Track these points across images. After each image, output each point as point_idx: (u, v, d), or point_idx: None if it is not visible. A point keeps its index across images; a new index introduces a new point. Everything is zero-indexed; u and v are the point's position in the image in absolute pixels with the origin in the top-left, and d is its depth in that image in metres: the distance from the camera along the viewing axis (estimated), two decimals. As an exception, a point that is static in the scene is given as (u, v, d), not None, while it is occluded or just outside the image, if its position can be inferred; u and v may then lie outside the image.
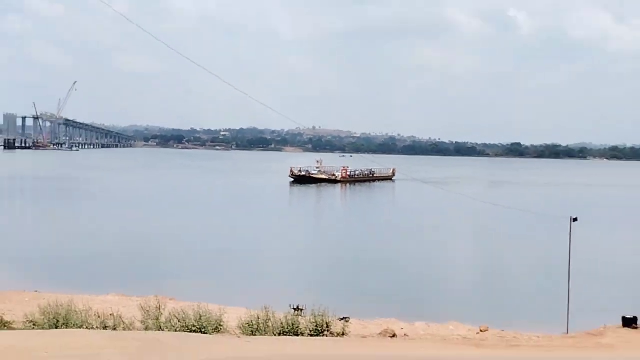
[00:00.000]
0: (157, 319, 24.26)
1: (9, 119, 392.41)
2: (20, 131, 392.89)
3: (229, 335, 20.39)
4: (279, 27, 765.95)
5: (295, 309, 37.85)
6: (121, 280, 48.38)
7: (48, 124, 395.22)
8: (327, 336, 22.53)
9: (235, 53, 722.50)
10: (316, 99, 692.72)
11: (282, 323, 22.90)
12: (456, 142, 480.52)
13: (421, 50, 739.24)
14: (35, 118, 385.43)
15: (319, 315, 23.38)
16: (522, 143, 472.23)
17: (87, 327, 22.31)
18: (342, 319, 30.03)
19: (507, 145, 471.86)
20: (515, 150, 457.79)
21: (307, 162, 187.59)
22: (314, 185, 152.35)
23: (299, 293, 41.87)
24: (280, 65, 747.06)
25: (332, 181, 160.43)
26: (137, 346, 16.21)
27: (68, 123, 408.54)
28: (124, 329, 22.91)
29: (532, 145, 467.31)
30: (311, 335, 22.16)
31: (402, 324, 35.69)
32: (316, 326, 22.82)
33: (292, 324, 22.74)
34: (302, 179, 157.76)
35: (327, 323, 23.14)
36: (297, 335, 22.19)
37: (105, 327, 22.92)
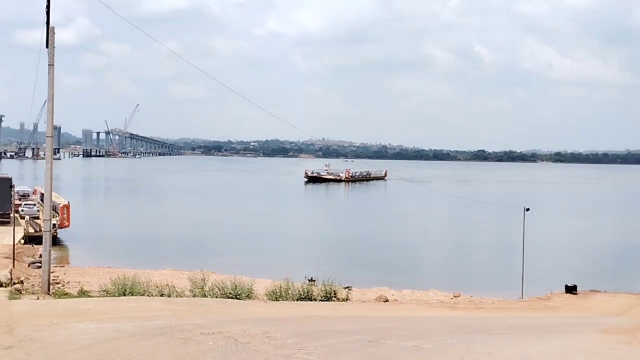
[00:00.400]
0: (202, 288, 24.10)
1: (87, 133, 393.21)
2: (95, 143, 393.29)
3: (258, 301, 20.21)
4: (296, 61, 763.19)
5: (309, 280, 37.63)
6: (174, 258, 48.33)
7: (117, 137, 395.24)
8: (334, 301, 22.36)
9: (261, 81, 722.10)
10: (325, 117, 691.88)
11: (299, 291, 22.73)
12: (434, 149, 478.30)
13: (406, 79, 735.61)
14: (107, 133, 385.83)
15: (328, 284, 23.24)
16: (486, 150, 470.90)
17: (147, 295, 22.14)
18: (346, 288, 29.86)
19: (474, 151, 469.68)
20: (481, 156, 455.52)
21: (318, 165, 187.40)
22: (323, 184, 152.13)
23: (311, 267, 41.82)
24: (296, 91, 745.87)
25: (338, 180, 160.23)
26: (187, 309, 16.06)
27: (132, 136, 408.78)
28: (176, 296, 22.75)
29: (494, 152, 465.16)
30: (322, 300, 21.97)
31: (392, 292, 35.50)
32: (326, 293, 22.66)
33: (307, 292, 22.57)
34: (314, 179, 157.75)
35: (334, 291, 22.99)
36: (311, 300, 21.98)
37: (161, 295, 22.76)
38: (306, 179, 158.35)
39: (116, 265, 43.93)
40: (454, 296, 35.19)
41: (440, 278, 44.28)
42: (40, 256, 46.19)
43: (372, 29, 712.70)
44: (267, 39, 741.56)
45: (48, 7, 17.41)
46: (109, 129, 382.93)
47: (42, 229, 20.32)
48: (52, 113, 19.24)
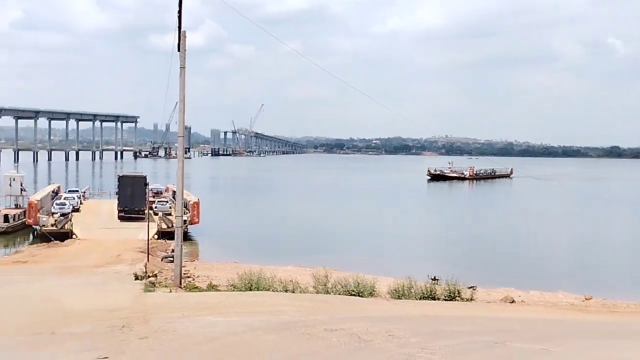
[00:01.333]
0: (325, 285, 24.38)
1: (215, 133, 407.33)
2: (223, 142, 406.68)
3: (380, 299, 20.17)
4: (417, 58, 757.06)
5: (432, 279, 37.23)
6: (297, 255, 49.13)
7: (243, 136, 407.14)
8: (458, 301, 21.98)
9: (382, 79, 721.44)
10: (448, 114, 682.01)
11: (422, 290, 22.51)
12: (563, 146, 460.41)
13: (533, 73, 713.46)
14: (234, 132, 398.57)
15: (451, 284, 22.88)
16: (620, 146, 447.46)
17: (272, 290, 22.62)
18: (470, 287, 29.27)
19: (607, 147, 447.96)
20: (614, 152, 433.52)
21: (441, 163, 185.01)
22: (447, 182, 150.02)
23: (435, 266, 41.28)
24: (418, 88, 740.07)
25: (462, 178, 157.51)
26: (310, 305, 16.30)
27: (257, 135, 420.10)
28: (300, 292, 23.13)
29: (629, 148, 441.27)
30: (445, 300, 21.64)
31: (519, 292, 34.43)
32: (449, 293, 22.32)
33: (430, 291, 22.31)
34: (437, 177, 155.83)
35: (458, 290, 22.60)
36: (434, 299, 21.70)
37: (285, 290, 23.20)
38: (429, 177, 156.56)
39: (242, 260, 45.23)
40: (585, 299, 33.70)
41: (570, 279, 42.57)
42: (172, 251, 48.51)
43: (495, 23, 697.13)
44: (388, 37, 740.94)
45: (180, 12, 18.22)
46: (236, 129, 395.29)
47: (174, 225, 21.25)
48: (184, 114, 20.11)
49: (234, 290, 22.72)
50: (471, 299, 22.54)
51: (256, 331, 12.20)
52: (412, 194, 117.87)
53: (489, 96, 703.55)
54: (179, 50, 19.34)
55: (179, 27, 18.88)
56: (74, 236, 51.82)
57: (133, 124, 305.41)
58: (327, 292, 21.70)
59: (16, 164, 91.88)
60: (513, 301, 28.98)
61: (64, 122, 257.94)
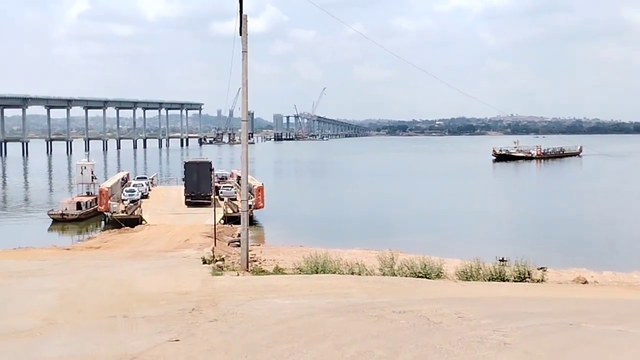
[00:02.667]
0: (391, 267, 24.20)
1: (277, 118, 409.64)
2: (285, 127, 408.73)
3: (448, 281, 19.86)
4: (482, 36, 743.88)
5: (500, 260, 36.54)
6: (362, 237, 49.04)
7: (305, 120, 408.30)
8: (528, 282, 21.47)
9: (446, 59, 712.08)
10: (513, 92, 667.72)
11: (490, 271, 22.09)
12: (635, 122, 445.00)
13: (602, 47, 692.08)
14: (296, 117, 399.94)
15: (521, 265, 22.38)
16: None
17: (338, 273, 22.56)
18: (540, 269, 28.62)
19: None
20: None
21: (507, 143, 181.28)
22: (513, 162, 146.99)
23: (503, 247, 40.50)
24: (483, 67, 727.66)
25: (529, 158, 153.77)
26: (377, 287, 16.19)
27: (320, 119, 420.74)
28: (366, 275, 23.02)
29: None
30: (515, 281, 21.16)
31: (592, 273, 33.47)
32: (519, 274, 21.84)
33: (499, 272, 21.88)
34: (503, 157, 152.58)
35: (528, 271, 22.09)
36: (504, 281, 21.25)
37: (352, 273, 23.11)
38: (494, 158, 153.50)
39: (307, 244, 45.38)
40: (662, 279, 32.59)
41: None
42: (239, 235, 48.92)
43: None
44: (451, 15, 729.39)
45: (240, -3, 18.33)
46: (298, 113, 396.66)
47: (240, 209, 21.42)
48: (247, 98, 20.18)
49: (300, 274, 22.77)
50: (542, 280, 21.98)
51: (324, 313, 12.19)
52: (477, 175, 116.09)
53: (556, 73, 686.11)
54: (240, 34, 19.39)
55: (240, 11, 18.93)
56: (143, 222, 53.06)
57: (197, 111, 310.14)
58: (394, 275, 21.48)
59: (87, 153, 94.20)
60: (586, 282, 28.17)
61: (132, 111, 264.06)
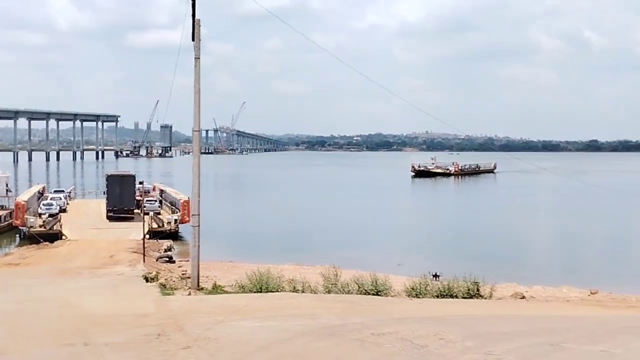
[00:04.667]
0: (335, 284, 23.51)
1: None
2: (204, 140, 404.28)
3: (401, 298, 19.29)
4: (397, 53, 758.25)
5: (433, 275, 36.45)
6: (293, 253, 48.26)
7: (224, 134, 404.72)
8: (477, 298, 21.18)
9: (362, 75, 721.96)
10: (427, 109, 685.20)
11: (439, 288, 21.71)
12: (543, 140, 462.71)
13: (511, 67, 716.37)
14: (215, 130, 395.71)
15: (469, 281, 22.10)
16: (599, 139, 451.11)
17: (280, 291, 21.69)
18: (474, 283, 28.47)
19: (586, 141, 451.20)
20: (593, 146, 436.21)
21: (423, 159, 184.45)
22: (431, 178, 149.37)
23: (430, 262, 40.57)
24: (398, 83, 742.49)
25: (447, 174, 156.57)
26: (340, 306, 15.46)
27: (239, 133, 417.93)
28: (310, 292, 22.24)
29: (607, 141, 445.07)
30: (464, 298, 20.82)
31: (522, 288, 33.69)
32: (468, 290, 21.53)
33: (448, 289, 21.49)
34: (421, 173, 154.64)
35: (477, 288, 21.84)
36: (452, 297, 20.86)
37: (295, 290, 22.28)
38: (413, 173, 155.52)
39: (236, 259, 44.37)
40: (591, 293, 33.09)
41: (568, 273, 42.08)
42: (165, 251, 47.60)
43: (473, 18, 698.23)
44: (368, 32, 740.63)
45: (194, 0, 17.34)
46: (217, 127, 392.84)
47: (191, 223, 20.28)
48: (199, 107, 19.16)
49: (243, 292, 21.82)
50: (490, 296, 21.73)
51: (303, 337, 11.37)
52: (397, 190, 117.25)
53: (469, 91, 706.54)
54: (193, 39, 18.39)
55: (193, 16, 17.95)
56: (63, 237, 50.53)
57: (114, 123, 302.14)
58: (346, 292, 20.70)
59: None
60: (523, 297, 28.28)
61: (44, 122, 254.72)
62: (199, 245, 20.00)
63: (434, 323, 13.09)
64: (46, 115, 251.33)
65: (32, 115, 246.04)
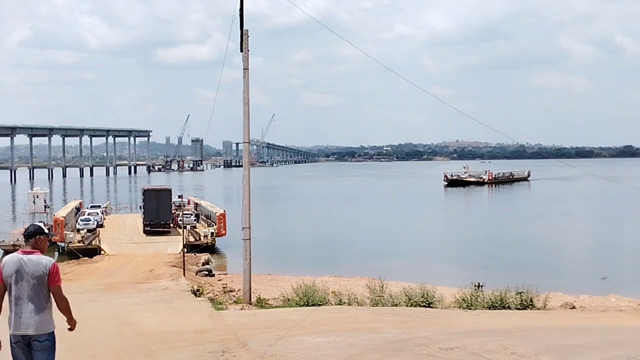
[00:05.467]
0: (382, 296, 23.07)
1: (227, 144, 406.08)
2: (235, 153, 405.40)
3: (455, 310, 18.73)
4: (426, 63, 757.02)
5: (476, 285, 35.80)
6: (329, 264, 47.93)
7: (254, 147, 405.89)
8: (530, 309, 20.57)
9: (391, 85, 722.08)
10: (458, 118, 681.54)
11: (490, 298, 21.13)
12: (576, 147, 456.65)
13: (542, 75, 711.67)
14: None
15: (523, 292, 21.53)
16: (633, 145, 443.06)
17: (326, 304, 21.28)
18: (518, 293, 27.76)
19: (621, 147, 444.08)
20: (628, 151, 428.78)
21: (454, 168, 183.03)
22: (465, 187, 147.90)
23: (471, 272, 39.92)
24: (426, 93, 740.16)
25: (480, 183, 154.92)
26: (397, 320, 15.02)
27: (269, 146, 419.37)
28: (357, 304, 21.79)
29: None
30: (517, 309, 20.23)
31: (569, 297, 32.86)
32: (521, 301, 20.97)
33: (501, 299, 20.91)
34: (454, 182, 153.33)
35: (531, 298, 21.23)
36: (505, 308, 20.27)
37: (341, 303, 21.86)
38: (446, 183, 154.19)
39: (274, 272, 44.11)
40: (641, 303, 32.22)
41: (613, 282, 41.03)
42: (204, 264, 47.56)
43: (503, 26, 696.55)
44: (396, 43, 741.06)
45: (241, 10, 17.12)
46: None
47: (243, 237, 19.98)
48: (248, 118, 18.95)
49: (289, 305, 21.46)
50: (545, 307, 21.12)
51: (373, 353, 10.97)
52: (431, 200, 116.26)
53: (499, 99, 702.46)
54: (241, 50, 18.22)
55: (241, 26, 17.77)
56: (102, 252, 50.82)
57: (145, 139, 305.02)
58: (392, 304, 20.21)
59: (32, 181, 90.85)
60: (573, 307, 27.54)
61: (78, 138, 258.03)
62: (250, 259, 19.66)
63: (499, 336, 12.63)
64: (80, 132, 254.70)
65: (67, 132, 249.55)
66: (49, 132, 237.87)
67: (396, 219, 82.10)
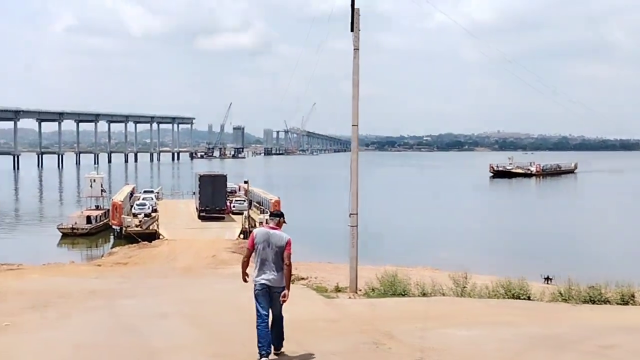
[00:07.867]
0: (464, 287, 22.34)
1: (267, 133, 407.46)
2: (275, 142, 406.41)
3: (557, 303, 17.75)
4: (467, 52, 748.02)
5: (545, 279, 34.84)
6: (386, 254, 47.12)
7: (295, 135, 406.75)
8: (631, 304, 19.62)
9: (432, 75, 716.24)
10: (499, 108, 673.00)
11: (587, 293, 20.21)
12: (621, 139, 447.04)
13: (586, 65, 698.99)
14: (286, 132, 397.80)
15: (623, 287, 20.54)
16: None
17: (410, 295, 20.58)
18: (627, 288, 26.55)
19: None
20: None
21: (496, 159, 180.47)
22: (512, 179, 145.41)
23: (534, 264, 38.98)
24: (468, 83, 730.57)
25: (528, 175, 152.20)
26: (521, 313, 14.27)
27: (309, 134, 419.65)
28: (441, 295, 21.07)
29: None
30: (618, 304, 19.31)
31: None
32: (622, 296, 20.03)
33: (597, 294, 19.97)
34: (500, 174, 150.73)
35: (632, 293, 20.28)
36: (604, 303, 19.36)
37: (423, 294, 21.14)
38: (492, 174, 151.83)
39: (334, 260, 43.40)
40: None
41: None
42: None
43: (546, 15, 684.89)
44: (437, 32, 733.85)
45: (353, -14, 16.57)
46: (288, 128, 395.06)
47: (349, 224, 19.40)
48: (357, 100, 18.36)
49: (376, 295, 20.84)
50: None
51: (538, 349, 10.26)
52: (477, 191, 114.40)
53: (541, 89, 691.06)
54: (352, 30, 17.63)
55: (352, 4, 17.18)
56: (161, 237, 50.88)
57: (189, 126, 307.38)
58: (484, 296, 19.35)
59: (96, 166, 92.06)
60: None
61: (123, 124, 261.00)
62: (357, 247, 19.10)
63: (633, 332, 11.91)
64: (125, 118, 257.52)
65: (112, 119, 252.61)
66: (95, 118, 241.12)
67: (444, 210, 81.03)
